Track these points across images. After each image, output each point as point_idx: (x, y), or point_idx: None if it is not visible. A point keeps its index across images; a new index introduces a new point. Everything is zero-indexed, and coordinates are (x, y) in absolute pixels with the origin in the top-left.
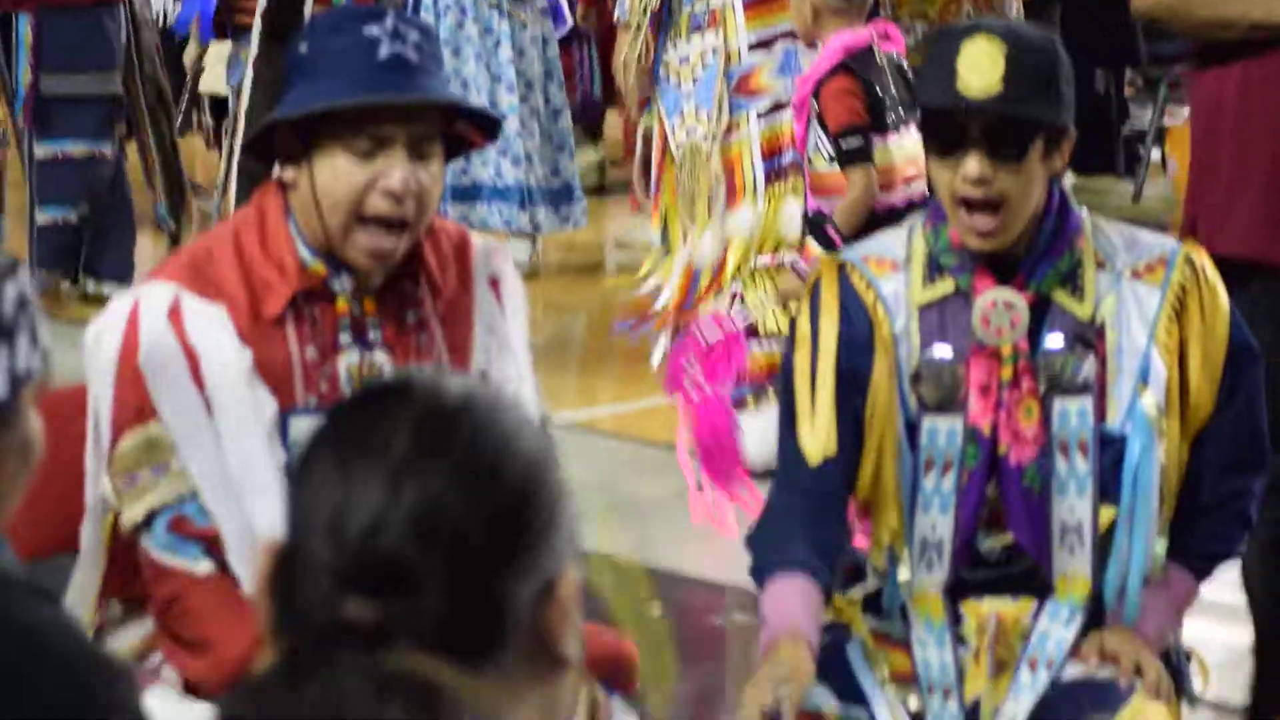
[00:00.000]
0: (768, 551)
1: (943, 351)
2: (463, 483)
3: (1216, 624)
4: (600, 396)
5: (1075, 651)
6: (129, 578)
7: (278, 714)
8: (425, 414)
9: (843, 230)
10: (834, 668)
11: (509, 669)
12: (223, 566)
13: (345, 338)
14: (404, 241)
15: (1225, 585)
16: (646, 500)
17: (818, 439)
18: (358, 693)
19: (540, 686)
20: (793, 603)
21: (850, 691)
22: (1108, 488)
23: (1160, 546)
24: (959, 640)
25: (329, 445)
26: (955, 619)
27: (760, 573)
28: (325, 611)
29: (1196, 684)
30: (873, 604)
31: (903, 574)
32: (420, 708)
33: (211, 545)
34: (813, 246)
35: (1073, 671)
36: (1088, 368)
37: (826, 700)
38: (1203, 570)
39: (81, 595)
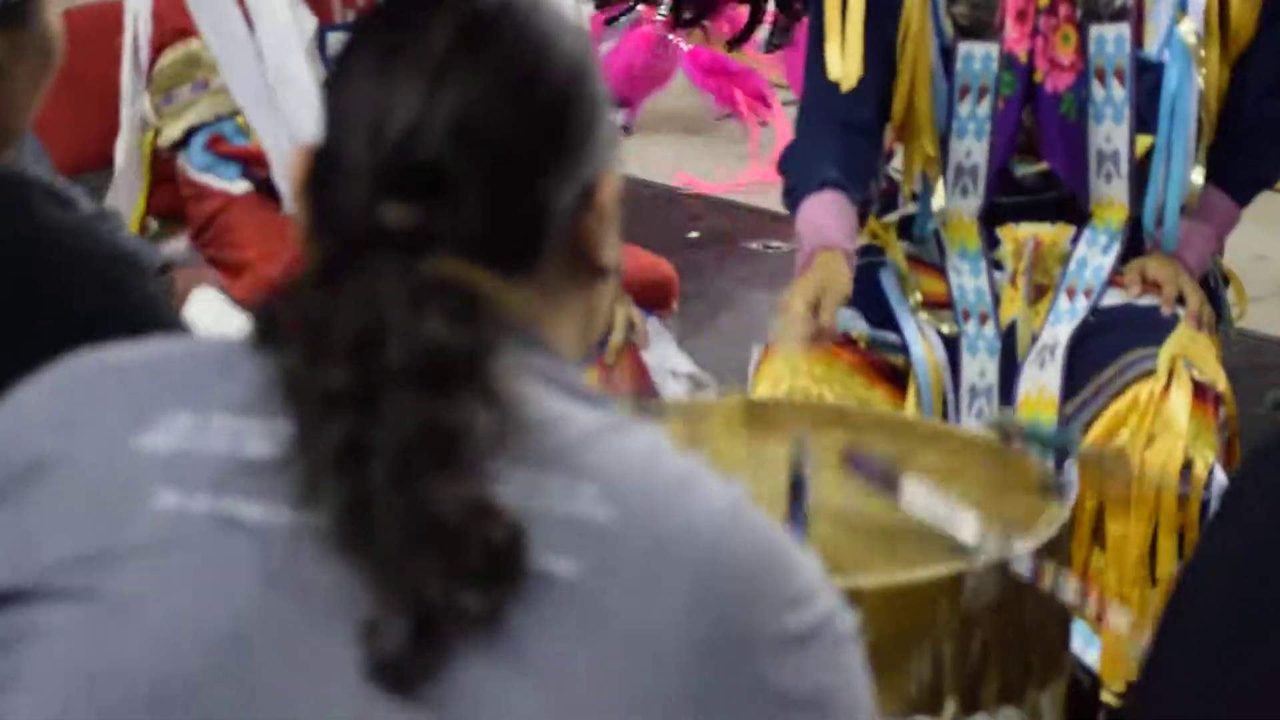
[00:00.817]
0: (800, 173)
1: None
2: (503, 84)
3: (1257, 252)
4: None
5: (1115, 279)
6: (169, 196)
7: (314, 316)
8: (464, 14)
9: None
10: (866, 293)
11: (547, 278)
12: (259, 186)
13: None
14: None
15: (1265, 214)
16: (687, 123)
17: (848, 64)
18: (395, 297)
19: (579, 297)
20: (827, 218)
21: (881, 317)
22: (1145, 115)
23: (1198, 175)
24: (995, 264)
25: (367, 46)
26: (991, 244)
27: (793, 194)
28: (363, 216)
29: (1234, 310)
30: (908, 229)
31: (937, 201)
32: (458, 314)
33: (250, 164)
34: None
35: (1113, 298)
36: None
37: (856, 324)
38: (1245, 195)
39: (120, 211)
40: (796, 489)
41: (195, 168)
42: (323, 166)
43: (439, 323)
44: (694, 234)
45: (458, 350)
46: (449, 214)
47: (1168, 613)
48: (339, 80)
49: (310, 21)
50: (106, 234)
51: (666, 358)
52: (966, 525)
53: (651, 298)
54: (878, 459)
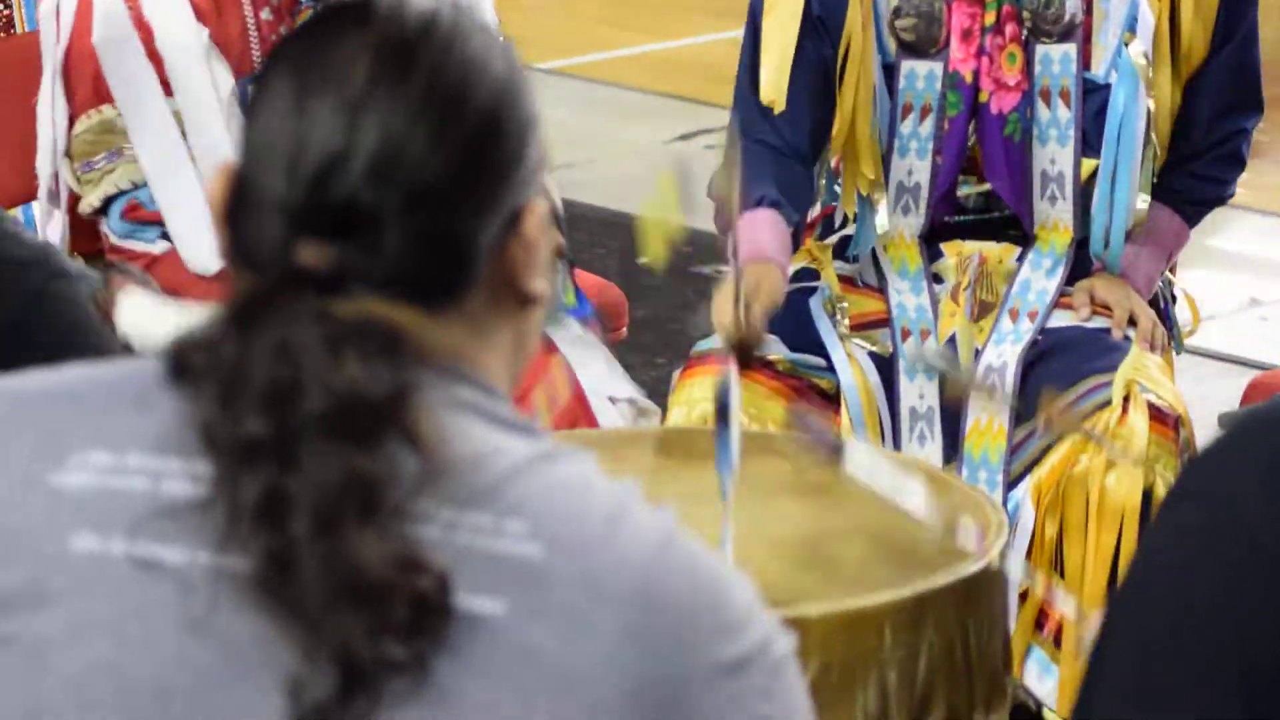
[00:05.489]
0: None
1: None
2: (425, 115)
3: (1208, 269)
4: (582, 43)
5: (1063, 301)
6: (94, 244)
7: (229, 361)
8: (385, 39)
9: None
10: (792, 320)
11: (474, 310)
12: None
13: None
14: None
15: (1216, 231)
16: (636, 148)
17: (776, 86)
18: (311, 344)
19: (507, 326)
20: (761, 234)
21: (806, 343)
22: (1090, 137)
23: (1144, 198)
24: (935, 278)
25: (284, 71)
26: (933, 257)
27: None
28: (279, 255)
29: (1185, 325)
30: (844, 249)
31: (878, 222)
32: (377, 356)
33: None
34: None
35: (1061, 320)
36: (1072, 6)
37: (776, 348)
38: (1195, 214)
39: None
40: (722, 416)
41: (116, 235)
42: (239, 197)
43: (357, 368)
44: (643, 259)
45: (377, 395)
46: (368, 252)
47: (1101, 631)
48: (256, 106)
49: (227, 79)
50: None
51: (604, 381)
52: (913, 494)
53: (600, 322)
54: (824, 425)
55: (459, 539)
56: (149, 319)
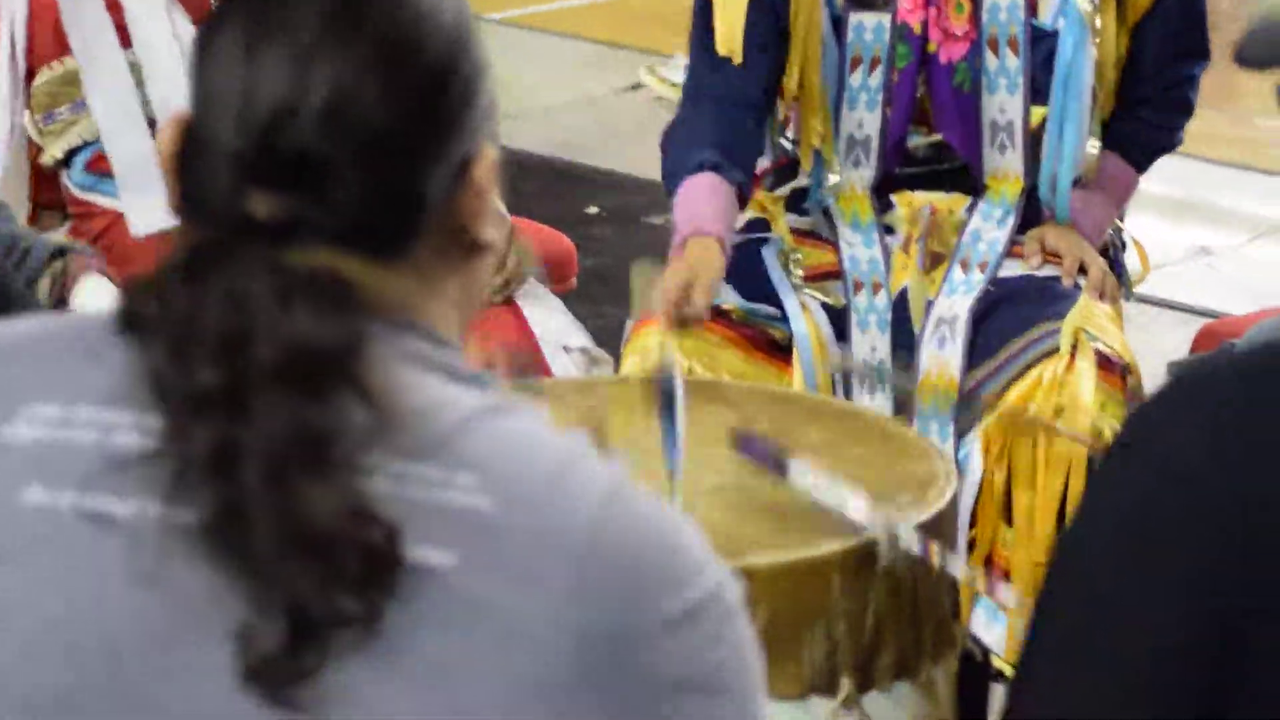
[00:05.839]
0: (678, 155)
1: None
2: (377, 63)
3: (1158, 218)
4: None
5: (1014, 250)
6: (55, 194)
7: (180, 312)
8: None
9: None
10: (746, 269)
11: (424, 260)
12: None
13: None
14: None
15: (1165, 179)
16: (587, 98)
17: (732, 37)
18: (262, 294)
19: (457, 276)
20: (700, 204)
21: (760, 293)
22: (1039, 85)
23: (1093, 145)
24: (887, 230)
25: (236, 20)
26: (884, 209)
27: (670, 179)
28: (229, 204)
29: (1135, 270)
30: (799, 201)
31: (829, 177)
32: (328, 307)
33: None
34: None
35: (1012, 269)
36: None
37: (730, 297)
38: (1143, 161)
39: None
40: (667, 407)
41: (78, 188)
42: (190, 146)
43: (308, 319)
44: (593, 209)
45: (328, 347)
46: (319, 202)
47: (1045, 585)
48: (206, 53)
49: (188, 29)
50: None
51: (558, 331)
52: (856, 506)
53: (550, 273)
54: (767, 442)
55: (409, 491)
56: (104, 305)
